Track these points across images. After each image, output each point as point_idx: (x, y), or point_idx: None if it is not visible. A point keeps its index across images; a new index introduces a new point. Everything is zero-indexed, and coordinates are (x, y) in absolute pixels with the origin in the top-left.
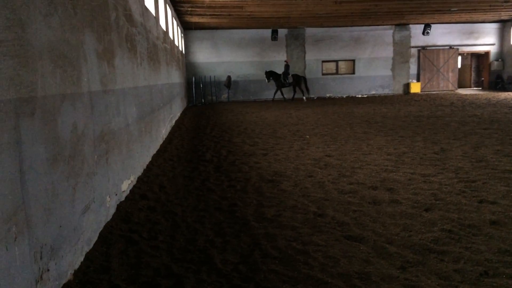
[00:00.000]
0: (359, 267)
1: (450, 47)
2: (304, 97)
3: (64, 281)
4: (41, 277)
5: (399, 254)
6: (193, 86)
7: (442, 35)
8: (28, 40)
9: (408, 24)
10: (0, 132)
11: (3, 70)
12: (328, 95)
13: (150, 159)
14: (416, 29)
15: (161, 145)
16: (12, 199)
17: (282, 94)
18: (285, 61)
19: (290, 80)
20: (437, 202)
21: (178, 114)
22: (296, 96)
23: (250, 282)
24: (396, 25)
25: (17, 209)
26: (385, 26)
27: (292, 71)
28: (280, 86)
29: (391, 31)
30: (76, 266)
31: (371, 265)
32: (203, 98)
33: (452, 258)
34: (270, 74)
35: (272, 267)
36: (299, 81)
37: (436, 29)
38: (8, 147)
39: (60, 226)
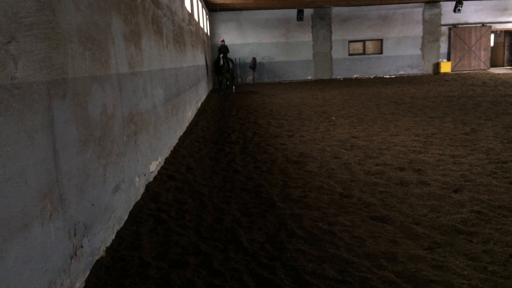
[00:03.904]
0: (386, 247)
1: (483, 24)
2: (227, 84)
3: (97, 258)
4: (75, 253)
5: (427, 235)
6: None
7: (474, 12)
8: (58, 23)
9: (439, 1)
10: (34, 113)
11: (35, 52)
12: (355, 76)
13: (177, 141)
14: (447, 6)
15: (187, 127)
16: (47, 177)
17: (220, 82)
18: (222, 41)
19: (231, 65)
20: (467, 183)
21: (204, 97)
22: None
23: (276, 260)
24: (426, 2)
25: (52, 188)
26: (414, 4)
27: (319, 52)
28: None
29: (421, 9)
30: (108, 243)
31: (398, 246)
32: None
33: (481, 239)
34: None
35: (298, 247)
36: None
37: (468, 6)
38: (42, 127)
39: (92, 205)
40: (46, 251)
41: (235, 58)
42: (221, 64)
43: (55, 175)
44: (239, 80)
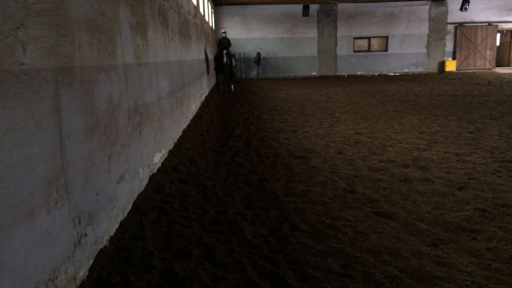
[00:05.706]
0: (389, 243)
1: (489, 23)
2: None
3: (100, 247)
4: (80, 241)
5: (430, 232)
6: None
7: (481, 11)
8: (66, 11)
9: None
10: (41, 100)
11: (44, 39)
12: (359, 73)
13: (181, 134)
14: (453, 5)
15: (191, 120)
16: (53, 165)
17: (221, 81)
18: (223, 32)
19: (234, 63)
20: (471, 181)
21: (208, 91)
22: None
23: (280, 253)
24: (433, 0)
25: (58, 175)
26: (420, 1)
27: (324, 48)
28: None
29: (427, 7)
30: (112, 233)
31: (401, 241)
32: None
33: (485, 236)
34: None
35: (301, 240)
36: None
37: (474, 4)
38: (49, 114)
39: (97, 194)
40: (51, 238)
41: (240, 53)
42: (224, 61)
43: (61, 163)
44: (243, 75)
